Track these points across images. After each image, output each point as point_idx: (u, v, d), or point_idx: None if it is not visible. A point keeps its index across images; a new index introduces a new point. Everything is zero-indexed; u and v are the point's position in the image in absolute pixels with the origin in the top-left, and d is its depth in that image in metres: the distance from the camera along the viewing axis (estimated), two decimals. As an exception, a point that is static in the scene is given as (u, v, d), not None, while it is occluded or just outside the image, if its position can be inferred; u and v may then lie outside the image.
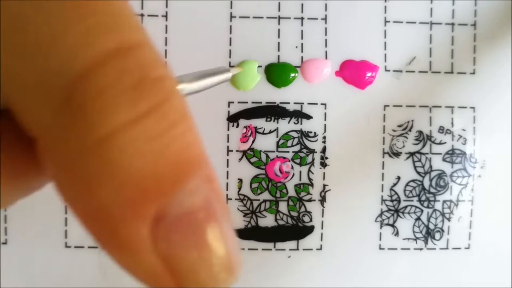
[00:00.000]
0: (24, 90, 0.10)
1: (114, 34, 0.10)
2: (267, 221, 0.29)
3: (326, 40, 0.29)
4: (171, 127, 0.10)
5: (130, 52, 0.10)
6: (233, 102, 0.29)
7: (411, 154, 0.30)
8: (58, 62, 0.09)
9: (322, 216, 0.29)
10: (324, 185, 0.29)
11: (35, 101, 0.10)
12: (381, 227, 0.30)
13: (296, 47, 0.29)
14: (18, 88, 0.10)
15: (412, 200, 0.30)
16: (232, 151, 0.29)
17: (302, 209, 0.29)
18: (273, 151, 0.29)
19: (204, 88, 0.21)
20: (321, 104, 0.29)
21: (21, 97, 0.10)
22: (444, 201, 0.30)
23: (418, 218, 0.30)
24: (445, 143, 0.30)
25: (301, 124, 0.29)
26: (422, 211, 0.30)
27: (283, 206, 0.29)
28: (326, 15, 0.29)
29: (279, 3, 0.29)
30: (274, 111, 0.29)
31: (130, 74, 0.10)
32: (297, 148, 0.29)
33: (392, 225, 0.30)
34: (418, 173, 0.30)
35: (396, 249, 0.30)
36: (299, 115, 0.29)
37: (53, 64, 0.09)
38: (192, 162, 0.11)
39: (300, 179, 0.29)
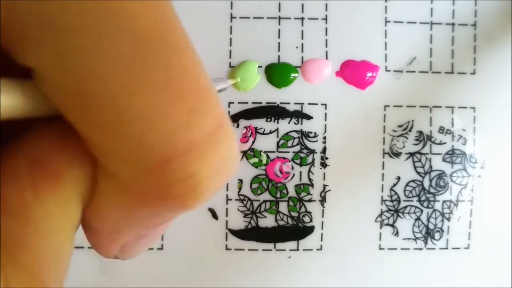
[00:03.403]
0: (112, 145, 0.10)
1: (208, 114, 0.10)
2: (267, 221, 0.29)
3: (326, 40, 0.29)
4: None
5: (221, 133, 0.10)
6: (233, 103, 0.29)
7: (411, 154, 0.30)
8: (154, 140, 0.10)
9: (322, 217, 0.29)
10: (324, 186, 0.29)
11: (123, 157, 0.10)
12: (381, 227, 0.30)
13: (297, 47, 0.29)
14: (106, 141, 0.10)
15: (412, 200, 0.30)
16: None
17: (302, 209, 0.29)
18: (273, 152, 0.29)
19: None
20: (322, 104, 0.29)
21: (107, 146, 0.10)
22: (444, 201, 0.30)
23: (418, 218, 0.30)
24: (445, 143, 0.30)
25: (302, 124, 0.29)
26: (422, 211, 0.30)
27: (283, 207, 0.29)
28: (326, 15, 0.29)
29: (279, 3, 0.29)
30: (274, 112, 0.29)
31: (220, 161, 0.10)
32: (297, 148, 0.29)
33: (392, 225, 0.30)
34: (418, 173, 0.30)
35: (396, 249, 0.30)
36: (300, 115, 0.29)
37: (149, 140, 0.10)
38: None
39: (300, 180, 0.29)
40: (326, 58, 0.29)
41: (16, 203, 0.10)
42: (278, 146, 0.29)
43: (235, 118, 0.29)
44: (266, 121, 0.29)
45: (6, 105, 0.10)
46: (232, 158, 0.11)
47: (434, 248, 0.30)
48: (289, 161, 0.29)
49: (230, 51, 0.29)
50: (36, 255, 0.09)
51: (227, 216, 0.29)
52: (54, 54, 0.09)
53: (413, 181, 0.30)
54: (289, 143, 0.29)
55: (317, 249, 0.29)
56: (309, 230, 0.29)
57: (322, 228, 0.29)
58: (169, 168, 0.10)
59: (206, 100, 0.10)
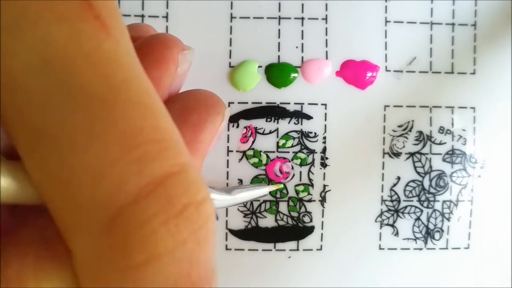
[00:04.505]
0: (66, 210, 0.10)
1: (162, 161, 0.10)
2: (267, 221, 0.29)
3: (326, 40, 0.29)
4: (200, 249, 0.11)
5: (176, 179, 0.10)
6: (233, 103, 0.29)
7: (411, 154, 0.30)
8: (104, 192, 0.10)
9: (322, 217, 0.29)
10: (324, 186, 0.29)
11: (77, 223, 0.10)
12: (381, 227, 0.30)
13: (297, 47, 0.29)
14: (61, 206, 0.10)
15: (412, 200, 0.30)
16: (232, 151, 0.29)
17: (302, 209, 0.29)
18: (273, 152, 0.29)
19: (239, 202, 0.22)
20: (322, 104, 0.29)
21: (63, 214, 0.10)
22: (444, 201, 0.30)
23: (418, 218, 0.30)
24: (445, 143, 0.30)
25: (301, 124, 0.29)
26: (422, 211, 0.30)
27: (283, 207, 0.29)
28: (326, 15, 0.29)
29: (279, 3, 0.29)
30: (274, 112, 0.29)
31: (174, 203, 0.10)
32: (297, 148, 0.29)
33: (392, 225, 0.30)
34: (418, 173, 0.30)
35: (396, 249, 0.30)
36: (299, 115, 0.29)
37: (99, 194, 0.10)
38: (206, 278, 0.12)
39: (300, 180, 0.29)
40: (326, 58, 0.29)
41: (14, 281, 0.10)
42: (278, 146, 0.29)
43: (235, 118, 0.29)
44: (266, 121, 0.29)
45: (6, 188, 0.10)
46: (197, 202, 0.11)
47: (434, 248, 0.30)
48: (289, 161, 0.29)
49: (230, 51, 0.29)
50: None
51: (227, 216, 0.29)
52: (11, 112, 0.09)
53: (413, 181, 0.30)
54: (289, 143, 0.29)
55: (317, 249, 0.29)
56: (309, 230, 0.29)
57: (322, 228, 0.29)
58: (122, 218, 0.10)
59: (161, 149, 0.10)
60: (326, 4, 0.29)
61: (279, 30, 0.29)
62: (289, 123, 0.29)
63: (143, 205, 0.10)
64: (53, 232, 0.11)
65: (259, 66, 0.29)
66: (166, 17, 0.28)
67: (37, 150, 0.10)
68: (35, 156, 0.10)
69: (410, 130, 0.30)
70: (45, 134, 0.09)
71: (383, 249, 0.30)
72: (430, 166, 0.30)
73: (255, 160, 0.29)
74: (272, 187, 0.28)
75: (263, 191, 0.25)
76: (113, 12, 0.10)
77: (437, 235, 0.30)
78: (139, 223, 0.10)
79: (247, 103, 0.29)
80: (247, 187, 0.24)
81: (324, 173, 0.29)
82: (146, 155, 0.10)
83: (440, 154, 0.30)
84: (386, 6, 0.29)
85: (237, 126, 0.29)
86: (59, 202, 0.10)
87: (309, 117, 0.29)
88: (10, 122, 0.10)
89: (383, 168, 0.30)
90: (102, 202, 0.10)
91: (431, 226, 0.30)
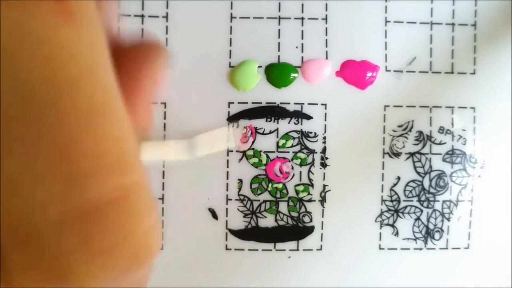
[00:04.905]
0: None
1: (99, 182, 0.09)
2: (267, 221, 0.29)
3: (326, 40, 0.29)
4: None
5: (114, 207, 0.09)
6: (233, 103, 0.29)
7: (411, 154, 0.30)
8: (21, 206, 0.08)
9: (322, 217, 0.29)
10: (324, 186, 0.29)
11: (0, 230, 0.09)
12: (381, 227, 0.30)
13: (297, 47, 0.29)
14: None
15: (412, 200, 0.30)
16: (232, 151, 0.29)
17: (302, 209, 0.29)
18: (273, 152, 0.29)
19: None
20: (322, 104, 0.29)
21: None
22: (444, 201, 0.30)
23: (418, 218, 0.30)
24: (445, 143, 0.30)
25: (301, 124, 0.29)
26: (422, 211, 0.30)
27: (283, 207, 0.29)
28: (326, 15, 0.29)
29: (279, 3, 0.29)
30: (274, 112, 0.29)
31: (103, 239, 0.09)
32: (297, 148, 0.29)
33: (392, 225, 0.30)
34: (418, 173, 0.30)
35: (396, 249, 0.30)
36: (299, 115, 0.29)
37: (15, 206, 0.08)
38: None
39: (300, 180, 0.29)
40: (326, 58, 0.29)
41: None
42: (278, 146, 0.29)
43: (235, 118, 0.29)
44: (266, 121, 0.29)
45: None
46: (137, 236, 0.09)
47: (434, 248, 0.30)
48: (289, 161, 0.29)
49: (230, 51, 0.29)
50: None
51: (227, 216, 0.29)
52: None
53: (413, 181, 0.30)
54: (289, 143, 0.29)
55: (317, 249, 0.29)
56: (309, 230, 0.29)
57: (322, 228, 0.29)
58: (38, 241, 0.08)
59: (101, 166, 0.09)
60: (326, 4, 0.29)
61: (279, 30, 0.29)
62: (289, 123, 0.29)
63: (64, 234, 0.08)
64: None
65: (259, 66, 0.29)
66: (166, 17, 0.28)
67: None
68: None
69: (410, 130, 0.30)
70: None
71: (383, 249, 0.30)
72: (430, 166, 0.30)
73: (255, 160, 0.29)
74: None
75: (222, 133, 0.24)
76: None
77: (437, 235, 0.30)
78: (56, 254, 0.08)
79: (247, 103, 0.29)
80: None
81: (324, 173, 0.29)
82: (80, 172, 0.08)
83: (440, 154, 0.30)
84: (386, 6, 0.29)
85: (237, 126, 0.29)
86: None
87: (309, 117, 0.29)
88: None
89: (383, 168, 0.30)
90: (18, 217, 0.08)
91: (431, 226, 0.30)
